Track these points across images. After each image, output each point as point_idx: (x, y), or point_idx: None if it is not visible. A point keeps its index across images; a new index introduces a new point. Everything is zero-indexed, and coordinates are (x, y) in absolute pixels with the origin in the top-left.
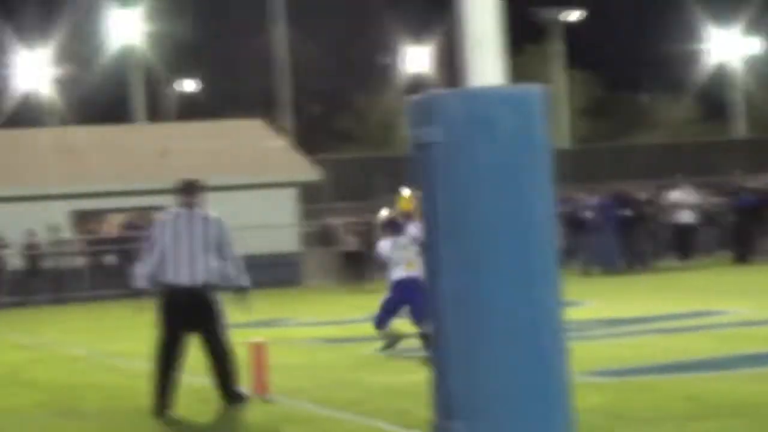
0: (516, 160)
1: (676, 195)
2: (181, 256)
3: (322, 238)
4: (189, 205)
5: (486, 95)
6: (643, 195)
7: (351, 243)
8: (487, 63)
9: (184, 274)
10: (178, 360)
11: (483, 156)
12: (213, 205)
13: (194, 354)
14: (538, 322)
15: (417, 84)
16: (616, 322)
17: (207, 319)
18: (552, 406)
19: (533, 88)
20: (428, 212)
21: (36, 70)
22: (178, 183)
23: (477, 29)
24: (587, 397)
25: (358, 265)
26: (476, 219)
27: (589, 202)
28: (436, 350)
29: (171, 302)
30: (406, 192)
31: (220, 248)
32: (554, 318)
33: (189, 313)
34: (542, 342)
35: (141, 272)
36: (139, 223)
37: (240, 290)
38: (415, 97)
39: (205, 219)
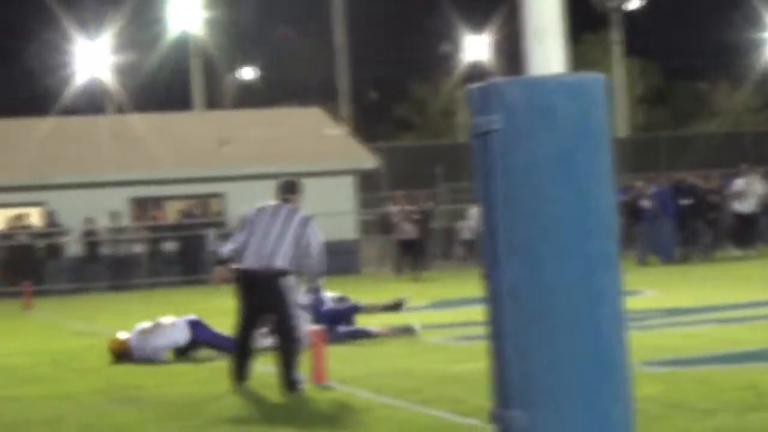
0: (576, 149)
1: (740, 184)
2: (263, 245)
3: (380, 226)
4: (285, 201)
5: (547, 83)
6: (706, 184)
7: (408, 231)
8: (548, 51)
9: (263, 261)
10: (253, 338)
11: (543, 144)
12: (271, 193)
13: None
14: (598, 312)
15: (476, 72)
16: (673, 311)
17: (279, 305)
18: (612, 397)
19: (594, 77)
20: (487, 201)
21: (96, 57)
22: (279, 181)
23: (539, 17)
24: (643, 386)
25: (415, 254)
26: (536, 207)
27: (648, 191)
28: (495, 339)
29: (247, 286)
30: None
31: (305, 245)
32: (614, 307)
33: (263, 298)
34: (602, 331)
35: (228, 247)
36: (197, 210)
37: (312, 287)
38: (476, 85)
39: (295, 214)
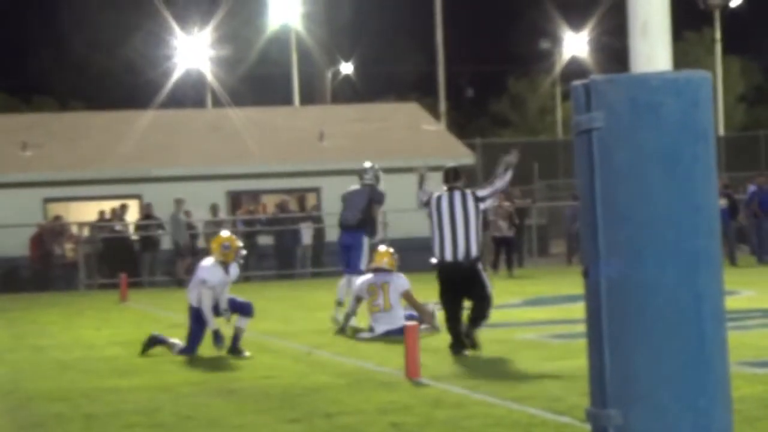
0: (680, 147)
1: None
2: (456, 239)
3: None
4: (452, 189)
5: (650, 81)
6: None
7: (502, 228)
8: (654, 48)
9: (449, 251)
10: (458, 311)
11: (646, 142)
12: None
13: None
14: (699, 311)
15: (574, 69)
16: None
17: (477, 286)
18: (711, 397)
19: (700, 74)
20: (588, 199)
21: (197, 51)
22: (445, 170)
23: (645, 12)
24: (742, 387)
25: (508, 251)
26: (638, 205)
27: (748, 190)
28: (593, 337)
29: (448, 277)
30: (382, 248)
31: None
32: (716, 307)
33: (464, 286)
34: (704, 331)
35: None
36: (292, 205)
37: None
38: (579, 82)
39: (466, 198)
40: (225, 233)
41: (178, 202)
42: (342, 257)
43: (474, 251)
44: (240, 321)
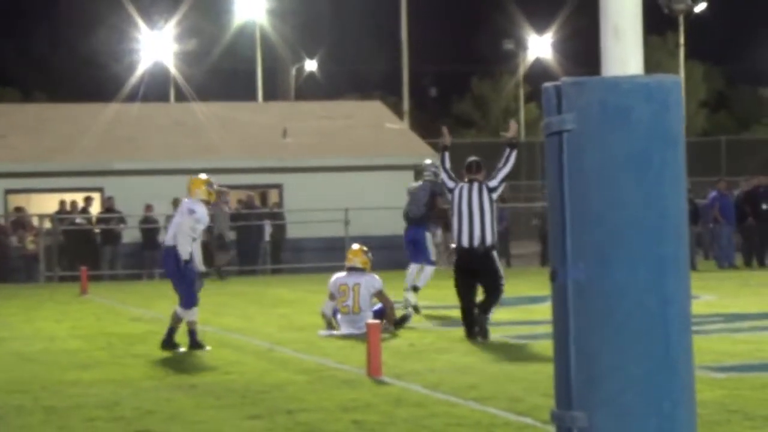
0: (650, 151)
1: None
2: (473, 226)
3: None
4: (472, 181)
5: (621, 84)
6: None
7: None
8: (626, 51)
9: (466, 238)
10: (471, 297)
11: (616, 146)
12: (329, 186)
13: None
14: (666, 315)
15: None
16: (731, 317)
17: (491, 272)
18: (677, 402)
19: (671, 79)
20: (556, 201)
21: (161, 45)
22: (468, 162)
23: (618, 15)
24: (701, 391)
25: None
26: (607, 209)
27: (709, 195)
28: (559, 339)
29: (465, 262)
30: (355, 246)
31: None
32: (683, 312)
33: (479, 270)
34: (670, 336)
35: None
36: (253, 201)
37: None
38: (550, 84)
39: (483, 190)
40: (203, 175)
41: (220, 194)
42: (408, 250)
43: (489, 239)
44: (182, 312)
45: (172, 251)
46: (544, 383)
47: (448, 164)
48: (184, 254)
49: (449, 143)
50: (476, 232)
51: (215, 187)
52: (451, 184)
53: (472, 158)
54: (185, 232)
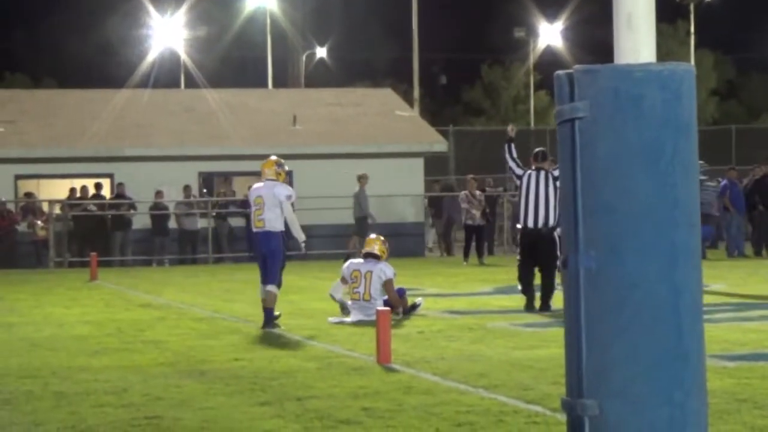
0: (662, 139)
1: None
2: (538, 208)
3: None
4: (539, 169)
5: (634, 72)
6: None
7: (475, 217)
8: (639, 39)
9: (531, 219)
10: (532, 276)
11: (628, 134)
12: (339, 173)
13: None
14: (678, 304)
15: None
16: (741, 306)
17: (551, 253)
18: (688, 391)
19: (684, 67)
20: (567, 189)
21: (172, 31)
22: (535, 152)
23: (632, 3)
24: (711, 380)
25: (479, 239)
26: (619, 197)
27: (720, 184)
28: (571, 327)
29: (524, 238)
30: (373, 235)
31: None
32: (694, 300)
33: (541, 249)
34: (681, 325)
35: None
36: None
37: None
38: (563, 71)
39: (549, 178)
40: (273, 157)
41: (362, 178)
42: None
43: (552, 221)
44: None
45: (272, 234)
46: (554, 371)
47: (515, 153)
48: (280, 230)
49: (514, 136)
50: (541, 214)
51: (285, 167)
52: (519, 171)
53: (539, 148)
54: (287, 210)
